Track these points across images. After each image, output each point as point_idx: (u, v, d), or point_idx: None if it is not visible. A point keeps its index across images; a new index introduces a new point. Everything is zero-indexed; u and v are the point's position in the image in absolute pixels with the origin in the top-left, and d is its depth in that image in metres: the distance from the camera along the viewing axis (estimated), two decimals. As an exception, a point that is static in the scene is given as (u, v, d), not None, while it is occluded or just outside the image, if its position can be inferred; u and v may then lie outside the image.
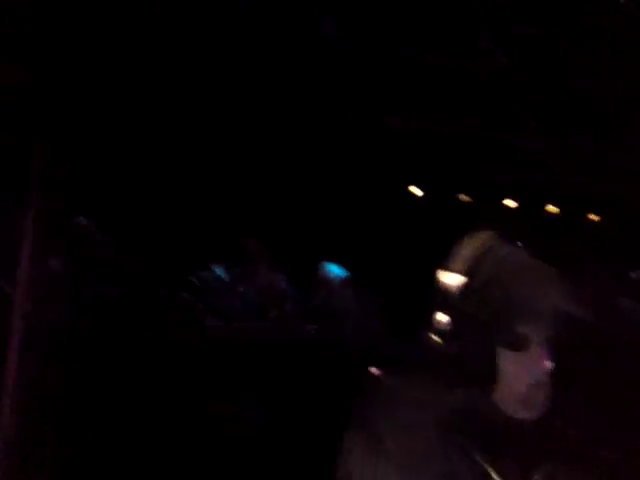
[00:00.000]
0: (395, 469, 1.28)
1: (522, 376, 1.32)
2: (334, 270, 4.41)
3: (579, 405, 1.42)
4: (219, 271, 4.32)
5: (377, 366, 1.46)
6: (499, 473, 1.30)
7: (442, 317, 1.36)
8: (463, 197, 5.27)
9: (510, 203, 5.25)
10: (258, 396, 3.52)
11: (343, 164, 4.94)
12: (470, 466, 1.30)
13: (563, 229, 5.20)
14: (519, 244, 1.44)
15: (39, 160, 2.98)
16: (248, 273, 4.31)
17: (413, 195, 5.20)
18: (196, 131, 4.55)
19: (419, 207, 5.25)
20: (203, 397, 3.47)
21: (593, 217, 5.43)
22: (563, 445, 1.38)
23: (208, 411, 3.48)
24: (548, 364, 1.32)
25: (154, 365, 3.36)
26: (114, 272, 3.83)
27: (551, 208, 5.39)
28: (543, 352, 1.33)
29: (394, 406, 1.33)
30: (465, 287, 1.36)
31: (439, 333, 1.35)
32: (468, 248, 1.41)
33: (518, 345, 1.33)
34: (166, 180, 4.80)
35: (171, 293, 3.84)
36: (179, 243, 4.43)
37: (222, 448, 3.37)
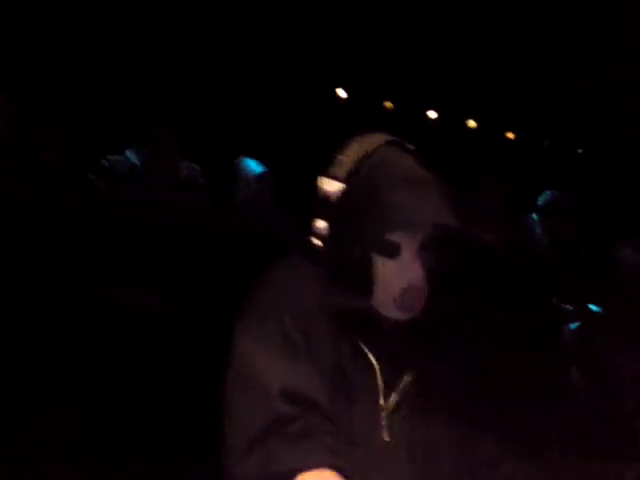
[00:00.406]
0: (291, 350, 1.28)
1: (395, 281, 1.35)
2: (252, 165, 4.37)
3: (453, 310, 1.49)
4: (131, 156, 4.20)
5: (277, 257, 1.44)
6: (380, 366, 1.35)
7: (321, 222, 1.37)
8: (388, 104, 5.24)
9: (432, 114, 5.27)
10: (160, 281, 3.50)
11: (266, 59, 4.83)
12: (356, 354, 1.35)
13: (478, 145, 5.26)
14: (408, 150, 1.42)
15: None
16: (161, 162, 4.22)
17: (337, 96, 5.13)
18: (112, 16, 4.39)
19: (341, 109, 5.20)
20: (101, 283, 3.41)
21: (510, 135, 5.50)
22: (438, 345, 1.43)
23: (106, 298, 3.43)
24: (420, 270, 1.36)
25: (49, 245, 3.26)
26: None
27: (472, 123, 5.43)
28: (415, 259, 1.36)
29: (290, 294, 1.33)
30: (342, 192, 1.35)
31: (318, 236, 1.37)
32: (348, 153, 1.38)
33: (390, 252, 1.35)
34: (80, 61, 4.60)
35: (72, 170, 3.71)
36: (91, 125, 4.28)
37: (122, 336, 3.34)
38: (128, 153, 4.19)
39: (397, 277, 1.36)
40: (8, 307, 3.01)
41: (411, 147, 1.43)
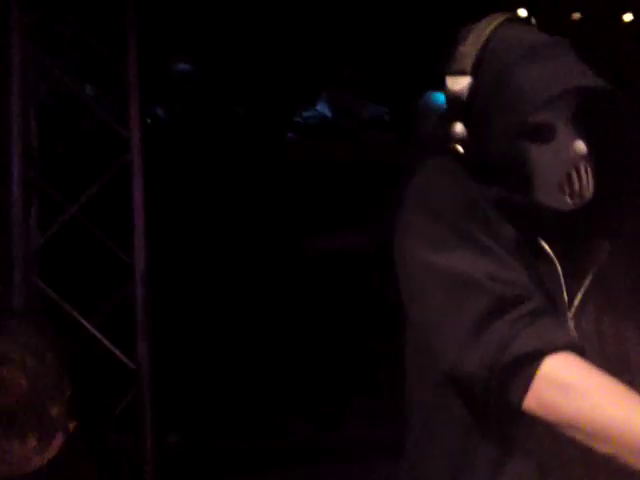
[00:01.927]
0: (474, 243, 1.19)
1: (557, 166, 1.21)
2: (439, 99, 4.34)
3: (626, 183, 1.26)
4: (322, 108, 4.33)
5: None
6: (560, 262, 1.21)
7: (457, 125, 1.25)
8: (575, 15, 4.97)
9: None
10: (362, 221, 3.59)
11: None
12: (531, 249, 1.22)
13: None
14: (528, 22, 1.28)
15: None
16: (351, 107, 4.31)
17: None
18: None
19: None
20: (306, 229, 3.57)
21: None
22: (617, 234, 1.27)
23: (315, 247, 3.59)
24: (583, 148, 1.21)
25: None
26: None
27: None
28: (574, 136, 1.21)
29: (448, 191, 1.24)
30: (472, 86, 1.23)
31: (459, 141, 1.25)
32: (467, 43, 1.25)
33: (543, 136, 1.21)
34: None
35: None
36: (277, 83, 4.44)
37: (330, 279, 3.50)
38: (319, 106, 4.32)
39: (558, 161, 1.21)
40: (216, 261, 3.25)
41: (531, 18, 1.30)
